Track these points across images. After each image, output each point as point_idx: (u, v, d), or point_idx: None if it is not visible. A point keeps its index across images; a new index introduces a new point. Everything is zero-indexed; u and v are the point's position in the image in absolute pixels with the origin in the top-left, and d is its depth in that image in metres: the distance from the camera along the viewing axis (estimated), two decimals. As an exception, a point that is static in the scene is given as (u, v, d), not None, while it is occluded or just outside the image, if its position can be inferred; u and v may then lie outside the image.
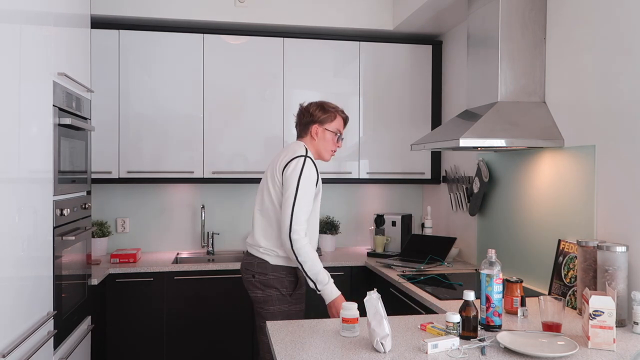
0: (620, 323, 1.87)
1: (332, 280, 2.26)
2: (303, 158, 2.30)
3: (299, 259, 2.23)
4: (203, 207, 3.63)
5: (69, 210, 2.26)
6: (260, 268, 2.36)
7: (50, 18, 2.07)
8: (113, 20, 3.36)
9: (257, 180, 3.52)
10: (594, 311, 1.66)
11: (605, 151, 2.11)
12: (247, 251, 2.47)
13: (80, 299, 2.51)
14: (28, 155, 1.84)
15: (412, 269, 2.97)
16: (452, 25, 3.48)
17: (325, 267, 2.29)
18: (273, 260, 2.35)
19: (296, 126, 2.51)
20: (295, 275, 2.39)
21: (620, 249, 1.91)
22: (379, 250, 3.51)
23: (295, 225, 2.23)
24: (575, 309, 2.13)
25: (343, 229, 3.90)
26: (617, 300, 1.76)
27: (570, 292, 2.18)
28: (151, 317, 3.10)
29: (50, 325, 2.03)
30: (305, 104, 2.48)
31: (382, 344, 1.61)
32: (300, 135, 2.49)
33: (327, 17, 3.48)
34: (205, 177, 3.44)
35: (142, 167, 3.36)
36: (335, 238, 3.79)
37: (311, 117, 2.43)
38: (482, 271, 1.88)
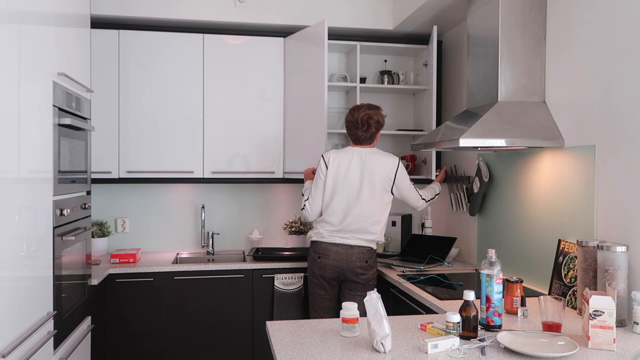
0: (621, 323, 1.88)
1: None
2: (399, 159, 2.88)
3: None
4: (203, 207, 3.63)
5: (69, 210, 2.26)
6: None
7: (50, 18, 2.07)
8: (113, 20, 3.36)
9: (257, 180, 3.55)
10: (594, 311, 1.67)
11: (605, 151, 2.11)
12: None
13: (80, 299, 2.51)
14: (28, 155, 1.84)
15: (412, 269, 2.97)
16: (452, 25, 3.48)
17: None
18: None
19: (361, 136, 2.82)
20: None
21: (620, 249, 1.91)
22: (379, 251, 3.50)
23: None
24: (575, 309, 2.13)
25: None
26: (617, 300, 1.76)
27: (570, 292, 2.18)
28: (151, 317, 3.10)
29: (50, 326, 2.03)
30: (367, 117, 2.78)
31: (382, 344, 1.61)
32: (370, 142, 2.85)
33: (326, 17, 3.47)
34: (205, 177, 3.45)
35: (142, 167, 3.36)
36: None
37: (381, 126, 2.84)
38: (482, 271, 1.88)
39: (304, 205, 2.89)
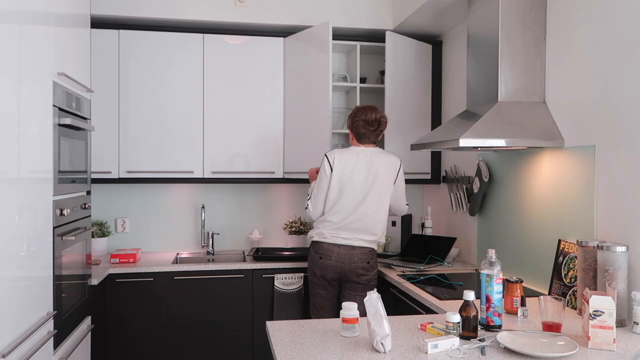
0: (621, 323, 1.88)
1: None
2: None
3: None
4: (203, 207, 3.63)
5: (69, 210, 2.26)
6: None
7: (50, 18, 2.07)
8: (113, 20, 3.36)
9: (257, 180, 3.55)
10: (594, 311, 1.67)
11: (605, 151, 2.11)
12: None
13: (80, 299, 2.51)
14: (28, 155, 1.84)
15: (412, 269, 2.97)
16: (452, 25, 3.48)
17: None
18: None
19: (370, 135, 2.86)
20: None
21: (620, 249, 1.91)
22: (379, 251, 3.50)
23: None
24: (575, 309, 2.13)
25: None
26: (617, 300, 1.76)
27: (570, 292, 2.18)
28: (151, 317, 3.10)
29: (50, 325, 2.03)
30: (380, 116, 2.84)
31: (382, 344, 1.61)
32: (375, 141, 2.90)
33: (327, 17, 3.47)
34: (205, 177, 3.45)
35: (142, 167, 3.36)
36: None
37: (386, 125, 2.90)
38: (482, 271, 1.88)
39: (307, 205, 2.91)
